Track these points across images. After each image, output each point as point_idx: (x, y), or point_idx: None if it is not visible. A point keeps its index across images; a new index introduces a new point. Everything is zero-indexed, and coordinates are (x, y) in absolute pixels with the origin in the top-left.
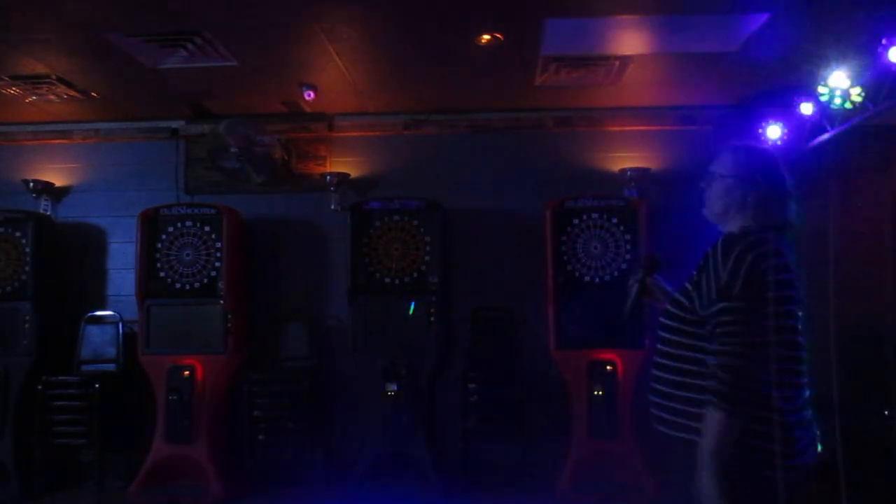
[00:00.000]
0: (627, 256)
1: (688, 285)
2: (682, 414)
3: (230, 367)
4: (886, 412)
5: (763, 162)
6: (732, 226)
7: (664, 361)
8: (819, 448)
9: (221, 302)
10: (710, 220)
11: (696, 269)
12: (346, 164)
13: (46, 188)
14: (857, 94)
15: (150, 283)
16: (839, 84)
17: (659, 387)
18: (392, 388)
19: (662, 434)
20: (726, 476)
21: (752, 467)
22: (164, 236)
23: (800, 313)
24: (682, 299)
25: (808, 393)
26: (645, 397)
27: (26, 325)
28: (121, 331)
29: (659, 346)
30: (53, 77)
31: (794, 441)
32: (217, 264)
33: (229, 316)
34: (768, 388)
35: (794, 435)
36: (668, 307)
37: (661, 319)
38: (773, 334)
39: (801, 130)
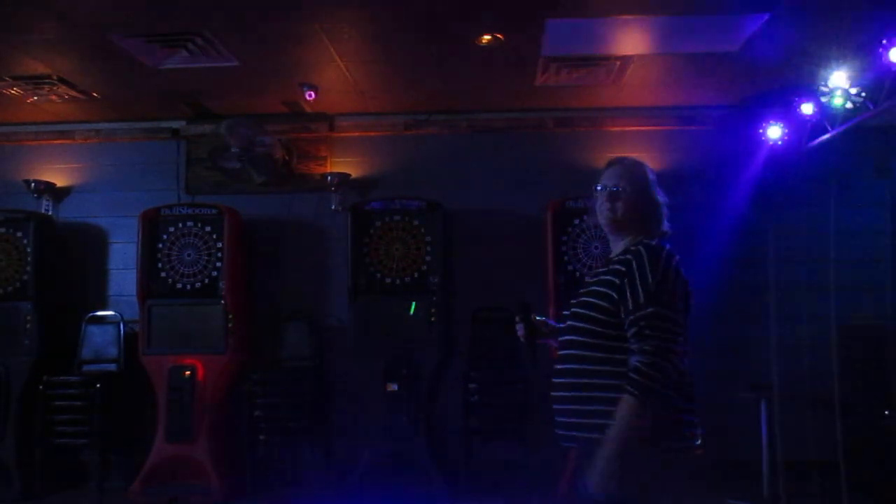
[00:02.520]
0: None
1: (607, 291)
2: (609, 415)
3: (231, 367)
4: (886, 412)
5: (653, 177)
6: (628, 234)
7: (581, 367)
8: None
9: (222, 302)
10: (605, 227)
11: (612, 276)
12: (346, 165)
13: (48, 188)
14: (857, 94)
15: (151, 284)
16: (839, 84)
17: (579, 394)
18: (392, 388)
19: (578, 439)
20: (632, 463)
21: (683, 452)
22: (165, 236)
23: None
24: (604, 304)
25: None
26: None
27: (27, 325)
28: (122, 331)
29: (567, 358)
30: (55, 77)
31: (699, 427)
32: (218, 264)
33: (230, 316)
34: (685, 383)
35: (699, 421)
36: (575, 322)
37: (568, 336)
38: (684, 336)
39: (802, 130)
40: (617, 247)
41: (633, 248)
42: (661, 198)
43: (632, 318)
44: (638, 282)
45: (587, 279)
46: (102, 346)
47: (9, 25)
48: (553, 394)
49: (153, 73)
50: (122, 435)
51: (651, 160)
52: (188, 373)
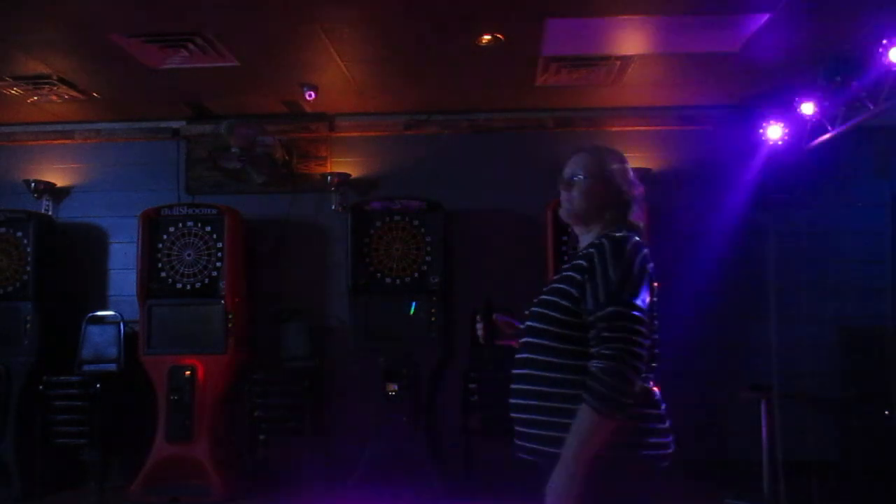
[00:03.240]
0: None
1: (567, 288)
2: (568, 428)
3: (231, 367)
4: (886, 412)
5: (618, 163)
6: (592, 227)
7: (539, 373)
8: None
9: (222, 302)
10: (567, 220)
11: (574, 272)
12: (346, 165)
13: (48, 188)
14: (857, 95)
15: (151, 284)
16: (839, 84)
17: (536, 402)
18: (392, 388)
19: (537, 452)
20: (592, 478)
21: (646, 464)
22: (165, 236)
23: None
24: (565, 303)
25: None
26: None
27: (28, 325)
28: (122, 331)
29: (524, 362)
30: (55, 77)
31: (670, 432)
32: (218, 264)
33: (230, 316)
34: (646, 387)
35: (668, 426)
36: (534, 322)
37: (526, 338)
38: (649, 337)
39: (802, 130)
40: (583, 242)
41: (596, 241)
42: (627, 187)
43: (591, 318)
44: (599, 278)
45: (553, 276)
46: (102, 346)
47: (9, 25)
48: (510, 400)
49: (153, 73)
50: (122, 435)
51: (651, 160)
52: (188, 373)
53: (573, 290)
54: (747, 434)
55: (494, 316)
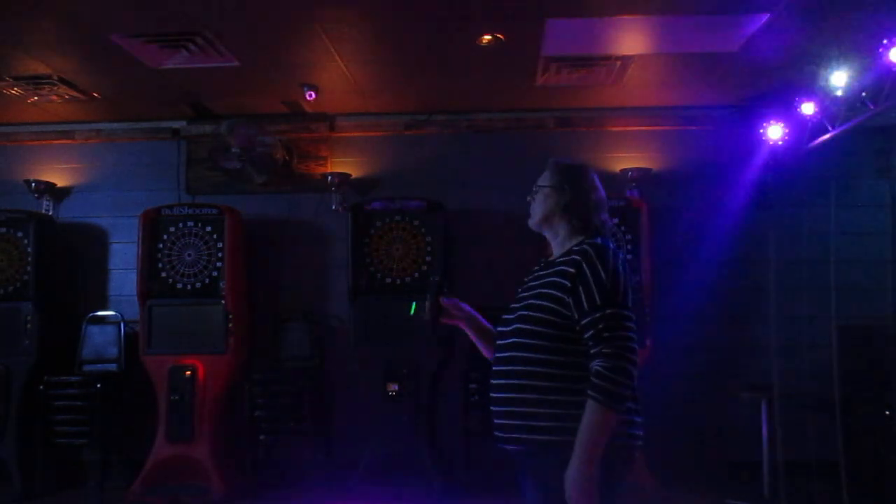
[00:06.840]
0: (629, 256)
1: (554, 292)
2: (565, 418)
3: (231, 367)
4: (886, 412)
5: (574, 175)
6: (557, 231)
7: (527, 369)
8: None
9: (223, 302)
10: (533, 227)
11: (558, 277)
12: (347, 165)
13: (48, 188)
14: (857, 94)
15: (151, 284)
16: (839, 84)
17: (524, 395)
18: (392, 388)
19: (523, 441)
20: (602, 468)
21: (628, 453)
22: (165, 236)
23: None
24: (553, 306)
25: None
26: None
27: (28, 325)
28: (122, 331)
29: (512, 360)
30: (55, 77)
31: (642, 424)
32: (218, 264)
33: (230, 316)
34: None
35: (642, 420)
36: (521, 324)
37: (513, 339)
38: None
39: (802, 130)
40: (555, 246)
41: (577, 247)
42: (588, 193)
43: (588, 319)
44: (592, 282)
45: (528, 282)
46: (103, 346)
47: (9, 25)
48: (493, 395)
49: (153, 73)
50: (122, 435)
51: (651, 160)
52: (188, 373)
53: (562, 294)
54: (747, 434)
55: (441, 298)
